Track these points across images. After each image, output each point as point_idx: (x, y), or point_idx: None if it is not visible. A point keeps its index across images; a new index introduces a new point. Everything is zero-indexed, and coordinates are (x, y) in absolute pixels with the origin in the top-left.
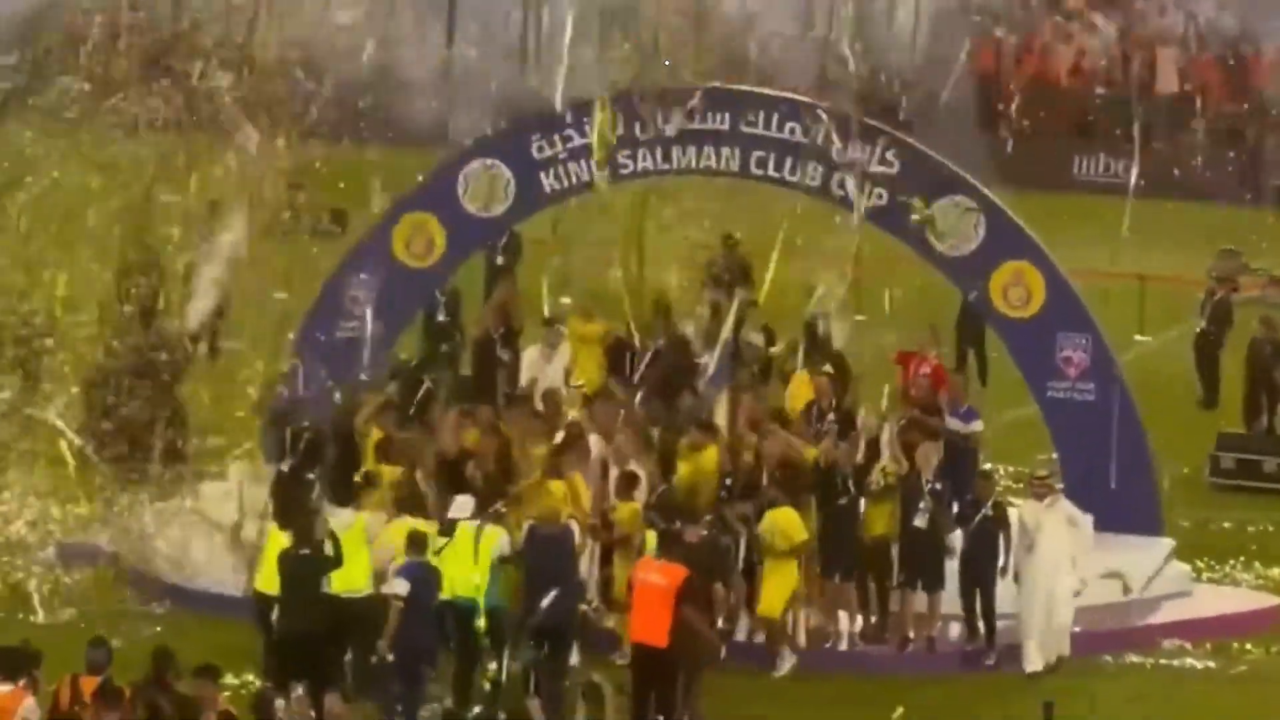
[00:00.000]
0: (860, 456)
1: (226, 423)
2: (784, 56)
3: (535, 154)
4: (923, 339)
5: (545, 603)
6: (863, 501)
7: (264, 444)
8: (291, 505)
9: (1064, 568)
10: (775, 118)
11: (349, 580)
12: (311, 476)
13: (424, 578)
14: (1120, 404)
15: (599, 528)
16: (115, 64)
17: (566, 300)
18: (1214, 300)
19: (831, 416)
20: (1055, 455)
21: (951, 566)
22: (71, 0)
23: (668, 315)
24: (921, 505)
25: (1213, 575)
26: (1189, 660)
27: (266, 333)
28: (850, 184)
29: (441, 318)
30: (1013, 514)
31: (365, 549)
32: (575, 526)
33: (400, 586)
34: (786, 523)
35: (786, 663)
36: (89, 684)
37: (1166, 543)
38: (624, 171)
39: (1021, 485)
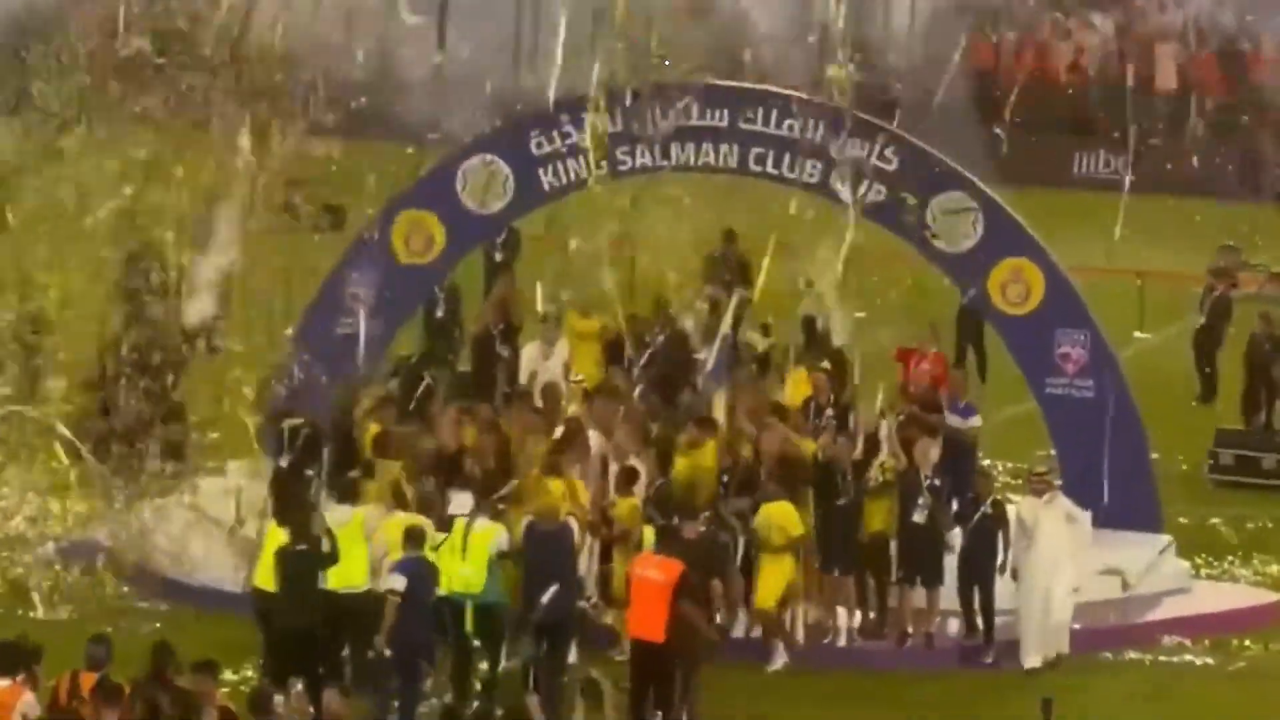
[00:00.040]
0: (859, 452)
1: (225, 419)
2: (779, 54)
3: (534, 150)
4: (922, 336)
5: (545, 599)
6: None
7: (263, 440)
8: (290, 501)
9: (1063, 564)
10: (774, 114)
11: (347, 576)
12: (310, 473)
13: (420, 573)
14: (1119, 400)
15: (598, 523)
16: (112, 61)
17: (566, 296)
18: (1213, 296)
19: (830, 413)
20: (1053, 452)
21: (950, 563)
22: None
23: (667, 311)
24: (920, 501)
25: (1211, 572)
26: (1188, 657)
27: (266, 330)
28: (831, 177)
29: (441, 314)
30: (1011, 510)
31: (363, 545)
32: (574, 523)
33: (396, 582)
34: (783, 517)
35: (779, 658)
36: (88, 680)
37: (1165, 539)
38: (623, 168)
39: (1020, 482)
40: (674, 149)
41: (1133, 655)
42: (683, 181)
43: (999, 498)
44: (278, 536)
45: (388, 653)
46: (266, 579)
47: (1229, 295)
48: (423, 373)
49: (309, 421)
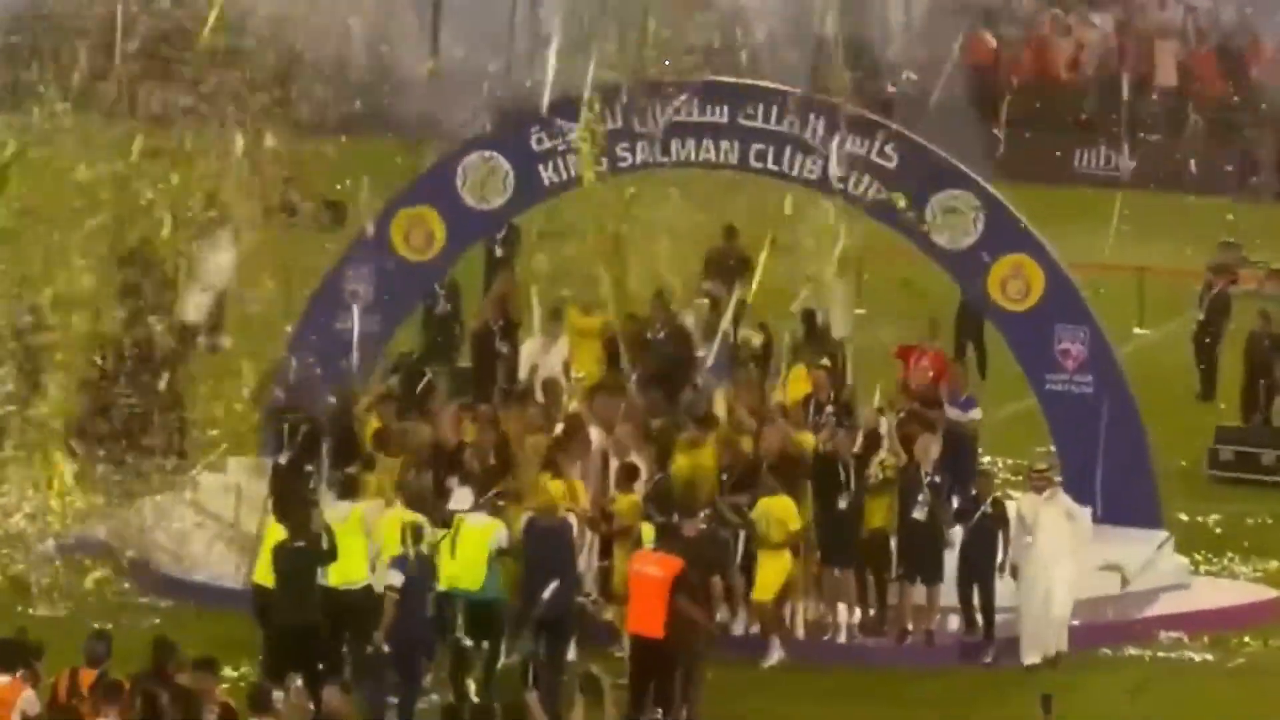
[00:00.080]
0: (859, 446)
1: (225, 416)
2: (777, 50)
3: (534, 146)
4: (922, 333)
5: (545, 595)
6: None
7: (262, 437)
8: (288, 498)
9: (1062, 561)
10: (774, 111)
11: (346, 572)
12: (309, 469)
13: (418, 569)
14: (1119, 397)
15: (598, 519)
16: (111, 57)
17: (566, 293)
18: (1212, 293)
19: (830, 409)
20: (1053, 448)
21: (950, 561)
22: None
23: (668, 307)
24: (920, 498)
25: (1211, 568)
26: (1187, 653)
27: (265, 326)
28: (831, 174)
29: (441, 311)
30: (1011, 507)
31: (363, 540)
32: (573, 519)
33: (394, 578)
34: (782, 511)
35: (774, 654)
36: (88, 677)
37: (1165, 536)
38: (622, 164)
39: (1020, 478)
40: (674, 145)
41: (1132, 651)
42: (682, 178)
43: (999, 496)
44: (276, 533)
45: (386, 649)
46: (265, 575)
47: (1228, 292)
48: (423, 369)
49: (308, 418)
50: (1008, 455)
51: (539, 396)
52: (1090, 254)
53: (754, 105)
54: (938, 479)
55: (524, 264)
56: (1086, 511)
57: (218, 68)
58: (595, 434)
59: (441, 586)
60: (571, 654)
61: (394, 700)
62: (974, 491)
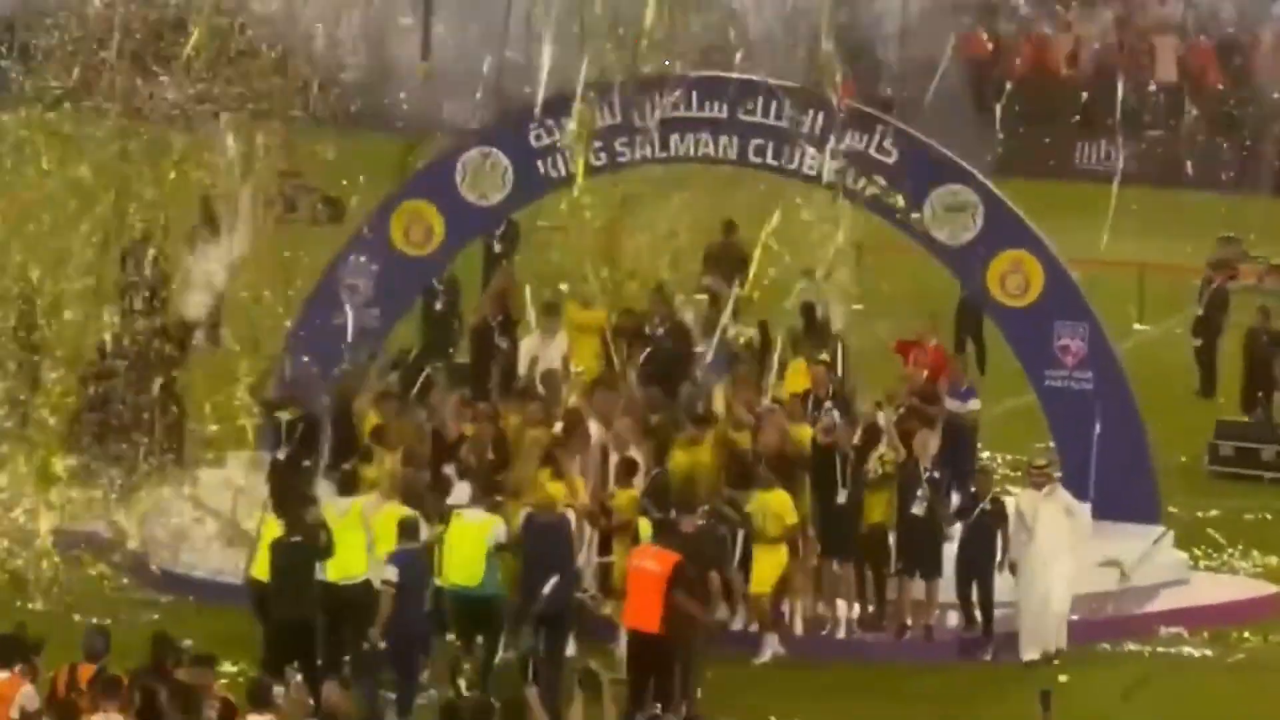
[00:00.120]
0: (858, 439)
1: (224, 412)
2: (776, 46)
3: (533, 142)
4: (922, 328)
5: (545, 591)
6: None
7: (260, 432)
8: (286, 493)
9: (1061, 557)
10: (774, 106)
11: (345, 567)
12: (307, 464)
13: (415, 565)
14: (1118, 393)
15: (597, 514)
16: (110, 53)
17: (565, 288)
18: (1211, 288)
19: (829, 404)
20: (1052, 444)
21: (949, 558)
22: None
23: (667, 301)
24: (919, 494)
25: (1210, 563)
26: (1187, 648)
27: (265, 321)
28: (828, 169)
29: (440, 306)
30: (1010, 503)
31: (361, 535)
32: (572, 515)
33: (390, 573)
34: (778, 505)
35: (769, 649)
36: (86, 672)
37: (1160, 530)
38: (621, 159)
39: (1019, 474)
40: (673, 140)
41: (1131, 647)
42: (681, 173)
43: (998, 494)
44: (274, 528)
45: (382, 644)
46: (263, 570)
47: (1226, 287)
48: (422, 366)
49: (306, 413)
50: (1007, 451)
51: (539, 390)
52: (1090, 249)
53: (753, 100)
54: (936, 474)
55: (523, 259)
56: (1086, 507)
57: (214, 63)
58: (595, 428)
59: (439, 582)
60: (571, 649)
61: (392, 696)
62: (973, 489)
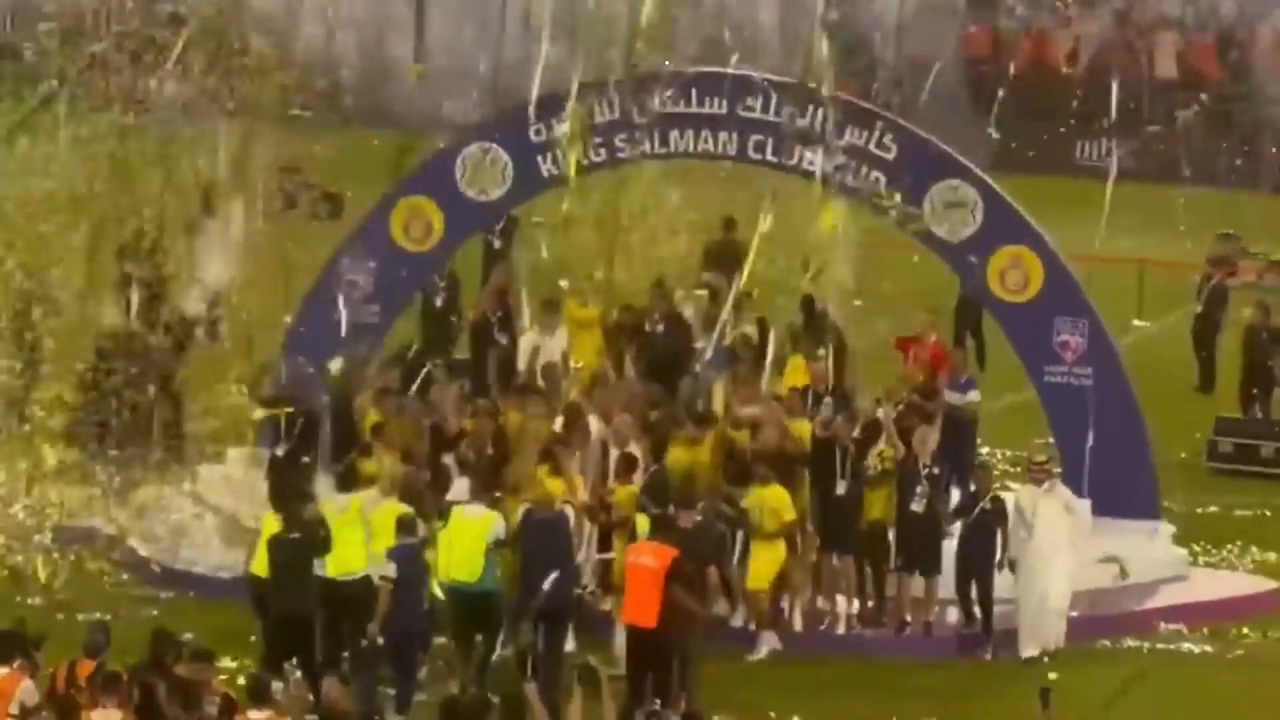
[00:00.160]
0: (858, 432)
1: (224, 407)
2: (772, 42)
3: (533, 138)
4: (921, 324)
5: (545, 587)
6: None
7: (259, 428)
8: (284, 489)
9: (1061, 554)
10: (773, 102)
11: (344, 563)
12: (306, 460)
13: (413, 561)
14: (1118, 389)
15: (597, 510)
16: (111, 49)
17: (564, 283)
18: (1209, 285)
19: (828, 400)
20: (1052, 440)
21: (949, 556)
22: None
23: (666, 297)
24: (919, 491)
25: (1210, 559)
26: (1186, 644)
27: (264, 317)
28: (819, 164)
29: (440, 302)
30: (1009, 498)
31: (361, 531)
32: (570, 512)
33: (388, 569)
34: (775, 500)
35: (764, 646)
36: (85, 667)
37: (1161, 527)
38: (620, 155)
39: (1019, 469)
40: (672, 136)
41: (1131, 643)
42: (680, 169)
43: (998, 493)
44: (272, 524)
45: (380, 640)
46: (262, 566)
47: (1225, 284)
48: (423, 362)
49: (305, 409)
50: (1006, 447)
51: (539, 384)
52: (1090, 245)
53: (752, 97)
54: (936, 470)
55: (522, 256)
56: (1085, 504)
57: (213, 60)
58: (594, 424)
59: (438, 578)
60: (570, 645)
61: (390, 692)
62: (974, 487)
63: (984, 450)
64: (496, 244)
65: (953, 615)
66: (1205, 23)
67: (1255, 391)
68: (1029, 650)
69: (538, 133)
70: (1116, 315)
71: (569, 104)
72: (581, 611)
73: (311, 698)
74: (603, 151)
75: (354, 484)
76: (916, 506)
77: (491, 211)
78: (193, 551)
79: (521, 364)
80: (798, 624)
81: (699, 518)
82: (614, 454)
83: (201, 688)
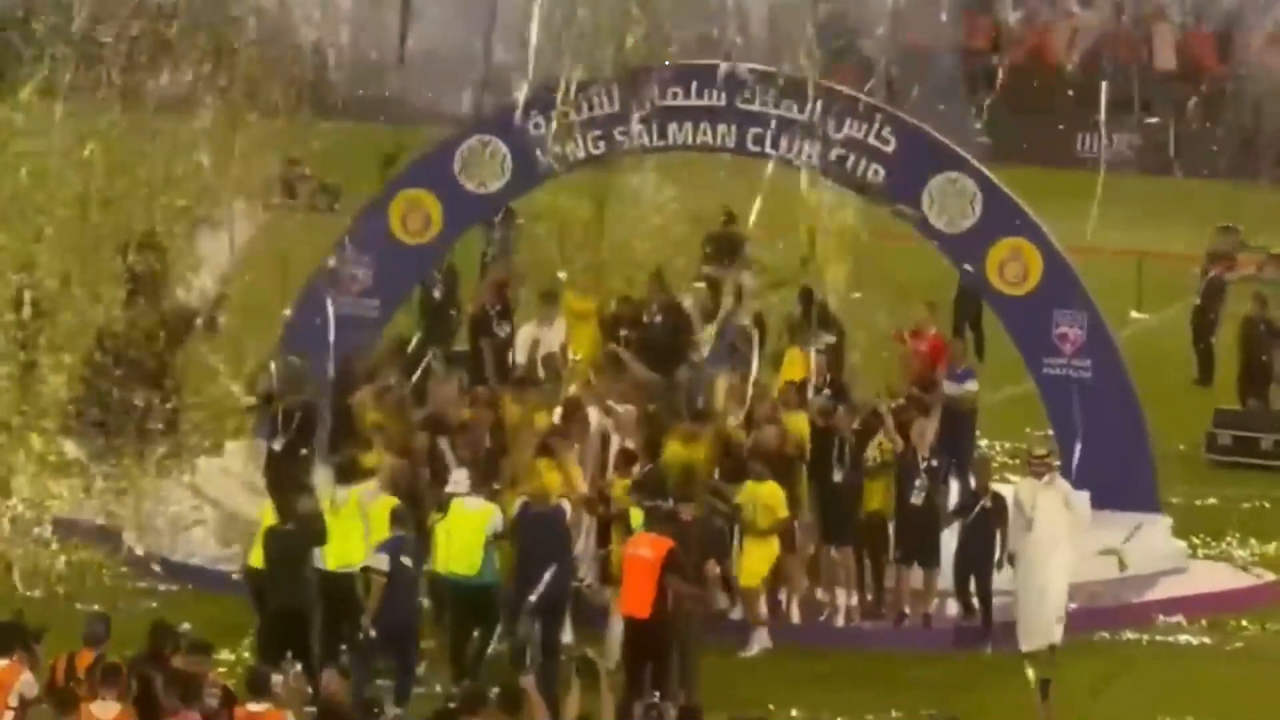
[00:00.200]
0: (857, 424)
1: (223, 400)
2: (771, 34)
3: (532, 130)
4: (921, 316)
5: (544, 582)
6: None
7: (257, 420)
8: (282, 482)
9: (1060, 547)
10: (772, 94)
11: (344, 556)
12: (305, 452)
13: (406, 553)
14: (1117, 381)
15: (595, 501)
16: (111, 42)
17: (563, 275)
18: (1207, 278)
19: (827, 393)
20: (1050, 432)
21: (948, 553)
22: None
23: (665, 288)
24: (918, 484)
25: (1209, 552)
26: (1185, 636)
27: (263, 309)
28: (807, 156)
29: (438, 295)
30: (1008, 491)
31: (360, 523)
32: (567, 506)
33: (379, 561)
34: (769, 497)
35: (756, 644)
36: (85, 659)
37: (1163, 520)
38: (620, 147)
39: (1018, 462)
40: (670, 129)
41: (1130, 635)
42: (679, 161)
43: (998, 492)
44: (269, 516)
45: (373, 633)
46: (259, 559)
47: (1223, 277)
48: (422, 355)
49: (303, 402)
50: (1005, 439)
51: (539, 375)
52: (1089, 238)
53: (751, 89)
54: (934, 462)
55: (520, 248)
56: (1084, 498)
57: (213, 54)
58: (594, 415)
59: (437, 570)
60: (568, 638)
61: (388, 685)
62: (973, 482)
63: (983, 443)
64: (495, 237)
65: (952, 608)
66: (1204, 14)
67: (1256, 383)
68: (1028, 644)
69: (537, 125)
70: (1115, 307)
71: (562, 97)
72: (581, 604)
73: (310, 690)
74: (601, 144)
75: (353, 477)
76: (915, 499)
77: (490, 204)
78: (191, 544)
79: (521, 356)
80: (796, 616)
81: (697, 511)
82: (614, 446)
83: (199, 680)
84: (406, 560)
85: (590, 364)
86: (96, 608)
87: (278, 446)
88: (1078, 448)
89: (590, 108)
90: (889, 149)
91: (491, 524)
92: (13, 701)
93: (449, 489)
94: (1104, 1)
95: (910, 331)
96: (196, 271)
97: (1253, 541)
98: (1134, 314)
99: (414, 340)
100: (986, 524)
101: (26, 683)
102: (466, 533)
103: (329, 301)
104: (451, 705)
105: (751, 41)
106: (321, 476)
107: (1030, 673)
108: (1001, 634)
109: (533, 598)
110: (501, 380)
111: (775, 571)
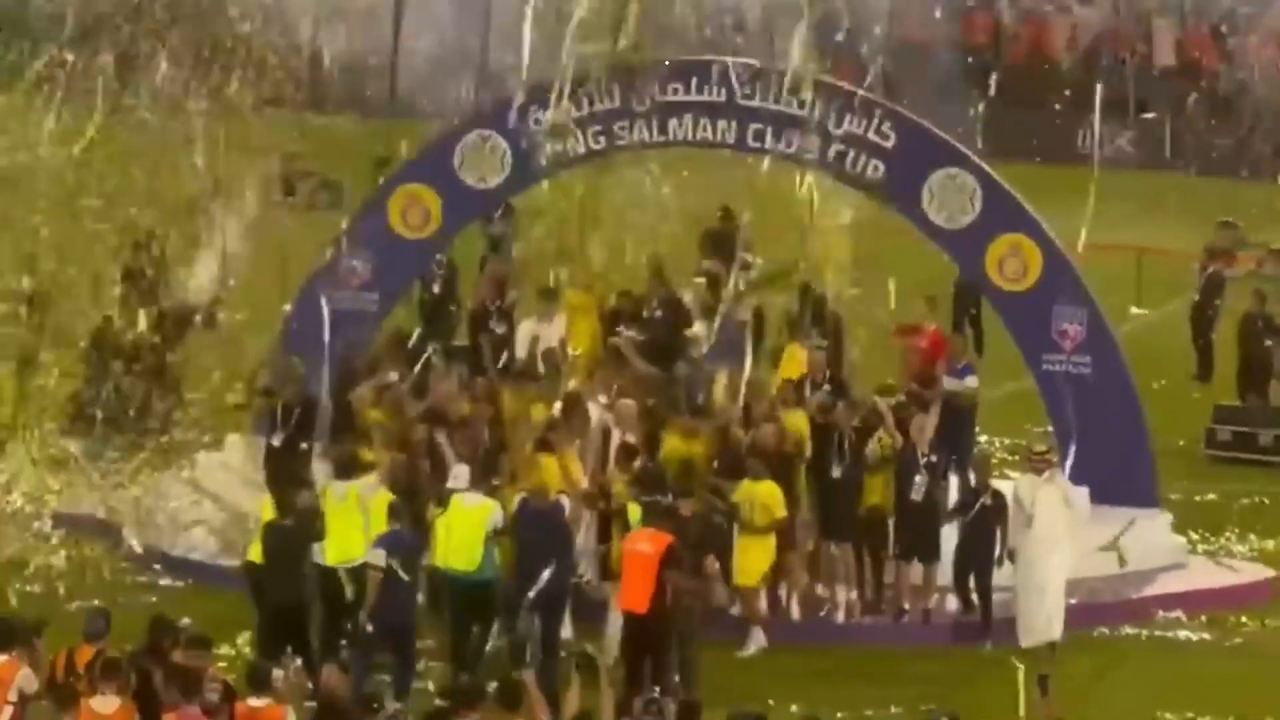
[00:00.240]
0: (857, 421)
1: (222, 395)
2: (770, 29)
3: (532, 125)
4: (920, 311)
5: (543, 578)
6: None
7: (256, 415)
8: (280, 477)
9: (1059, 544)
10: (773, 90)
11: (344, 550)
12: (305, 447)
13: (403, 548)
14: (1116, 377)
15: (595, 496)
16: (98, 41)
17: (562, 271)
18: (1206, 274)
19: (826, 389)
20: (1050, 428)
21: (947, 551)
22: None
23: (665, 282)
24: (918, 480)
25: (1208, 548)
26: (1184, 632)
27: (263, 304)
28: (815, 152)
29: (438, 290)
30: (1007, 487)
31: (359, 518)
32: (566, 501)
33: (376, 557)
34: (766, 496)
35: (754, 643)
36: (84, 654)
37: (1163, 515)
38: (620, 143)
39: (1017, 457)
40: (671, 124)
41: (1129, 631)
42: (679, 156)
43: (998, 490)
44: (268, 511)
45: (369, 627)
46: (258, 553)
47: (1222, 273)
48: (421, 351)
49: (302, 397)
50: (1005, 435)
51: (539, 369)
52: (1089, 234)
53: (751, 85)
54: (934, 458)
55: (520, 243)
56: (1084, 493)
57: (212, 51)
58: (594, 410)
59: (437, 565)
60: (568, 633)
61: (387, 679)
62: (973, 480)
63: (982, 439)
64: (495, 232)
65: (951, 603)
66: (1204, 10)
67: (1257, 378)
68: (1028, 640)
69: (537, 121)
70: (1115, 303)
71: (562, 93)
72: (581, 600)
73: (310, 685)
74: (601, 139)
75: (353, 472)
76: (915, 495)
77: (490, 199)
78: (191, 539)
79: (521, 352)
80: (796, 613)
81: (697, 506)
82: (614, 441)
83: (199, 675)
84: (403, 556)
85: (590, 357)
86: (96, 603)
87: (276, 442)
88: (1074, 444)
89: (590, 103)
90: (889, 145)
91: (491, 520)
92: (12, 697)
93: (449, 484)
94: None
95: (911, 326)
96: (195, 268)
97: (1252, 538)
98: (1134, 310)
99: (414, 335)
100: (987, 521)
101: (26, 678)
102: (466, 528)
103: (323, 300)
104: (442, 702)
105: (750, 38)
106: (321, 471)
107: (1020, 671)
108: (1001, 629)
109: (532, 593)
110: (501, 376)
111: (775, 568)
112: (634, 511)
